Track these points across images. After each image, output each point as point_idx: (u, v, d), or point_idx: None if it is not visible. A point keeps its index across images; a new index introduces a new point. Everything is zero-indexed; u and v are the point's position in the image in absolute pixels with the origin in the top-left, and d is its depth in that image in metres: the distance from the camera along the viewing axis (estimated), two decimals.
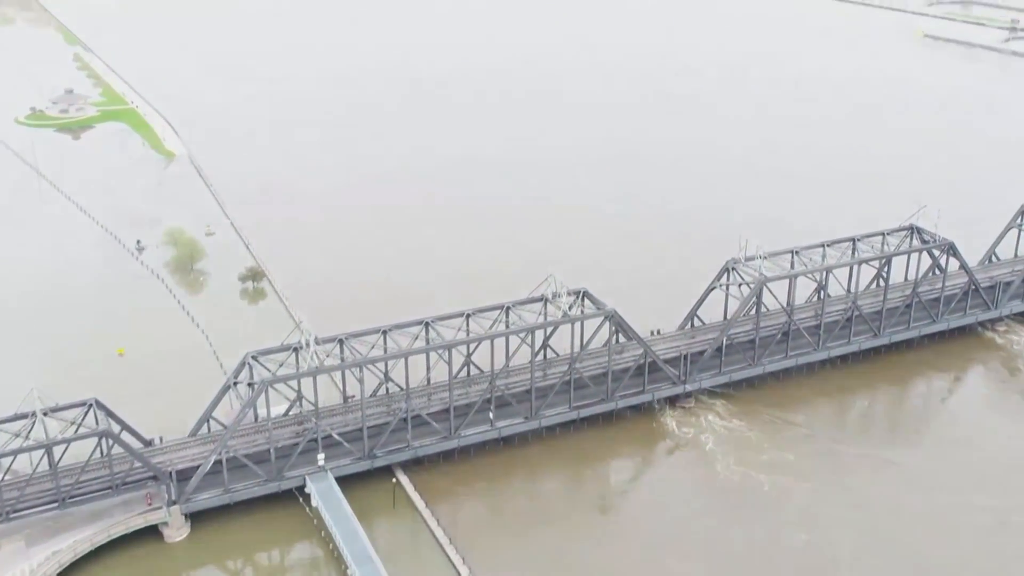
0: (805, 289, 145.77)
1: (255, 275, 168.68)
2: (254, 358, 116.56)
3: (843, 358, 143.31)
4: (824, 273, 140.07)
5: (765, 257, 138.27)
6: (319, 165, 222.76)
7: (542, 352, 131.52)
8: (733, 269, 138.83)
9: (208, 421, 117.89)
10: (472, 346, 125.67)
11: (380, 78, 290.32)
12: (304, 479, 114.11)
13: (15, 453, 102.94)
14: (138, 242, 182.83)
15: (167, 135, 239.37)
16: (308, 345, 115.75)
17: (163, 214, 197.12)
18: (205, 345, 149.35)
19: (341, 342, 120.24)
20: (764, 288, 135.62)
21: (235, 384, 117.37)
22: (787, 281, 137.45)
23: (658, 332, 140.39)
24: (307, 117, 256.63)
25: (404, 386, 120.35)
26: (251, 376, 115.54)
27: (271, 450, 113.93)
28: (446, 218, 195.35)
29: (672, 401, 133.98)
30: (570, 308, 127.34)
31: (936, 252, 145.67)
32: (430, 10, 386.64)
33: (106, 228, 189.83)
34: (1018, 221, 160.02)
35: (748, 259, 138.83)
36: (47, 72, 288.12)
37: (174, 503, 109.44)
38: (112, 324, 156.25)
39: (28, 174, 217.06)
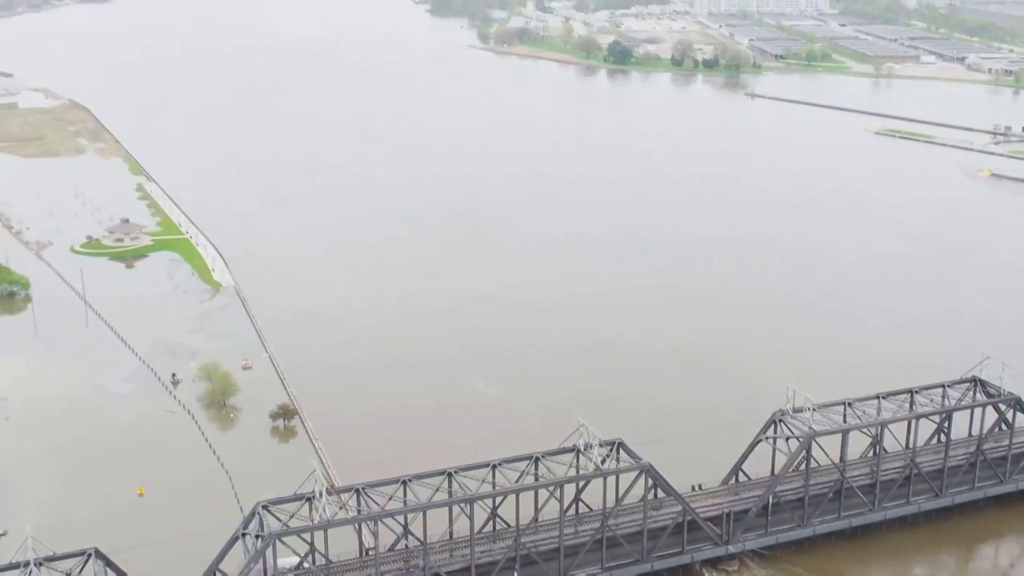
0: (859, 444, 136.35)
1: (286, 413, 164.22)
2: (265, 507, 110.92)
3: (901, 520, 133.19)
4: (879, 427, 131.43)
5: (815, 409, 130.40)
6: (366, 302, 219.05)
7: (572, 507, 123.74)
8: (781, 421, 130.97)
9: (214, 574, 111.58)
10: (497, 499, 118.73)
11: (437, 214, 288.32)
12: None
13: None
14: (173, 375, 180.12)
15: (217, 265, 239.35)
16: (321, 496, 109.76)
17: (203, 346, 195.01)
18: (228, 487, 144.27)
19: (359, 492, 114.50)
20: (814, 442, 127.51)
21: (244, 535, 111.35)
22: (839, 435, 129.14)
23: (699, 487, 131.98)
24: (362, 251, 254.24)
25: (423, 541, 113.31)
26: (261, 527, 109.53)
27: None
28: (485, 360, 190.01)
29: (714, 563, 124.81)
30: (603, 460, 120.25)
31: (1002, 407, 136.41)
32: (481, 141, 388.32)
33: (143, 360, 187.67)
34: None
35: (796, 411, 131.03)
36: (109, 201, 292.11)
37: None
38: (137, 461, 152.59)
39: (76, 303, 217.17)
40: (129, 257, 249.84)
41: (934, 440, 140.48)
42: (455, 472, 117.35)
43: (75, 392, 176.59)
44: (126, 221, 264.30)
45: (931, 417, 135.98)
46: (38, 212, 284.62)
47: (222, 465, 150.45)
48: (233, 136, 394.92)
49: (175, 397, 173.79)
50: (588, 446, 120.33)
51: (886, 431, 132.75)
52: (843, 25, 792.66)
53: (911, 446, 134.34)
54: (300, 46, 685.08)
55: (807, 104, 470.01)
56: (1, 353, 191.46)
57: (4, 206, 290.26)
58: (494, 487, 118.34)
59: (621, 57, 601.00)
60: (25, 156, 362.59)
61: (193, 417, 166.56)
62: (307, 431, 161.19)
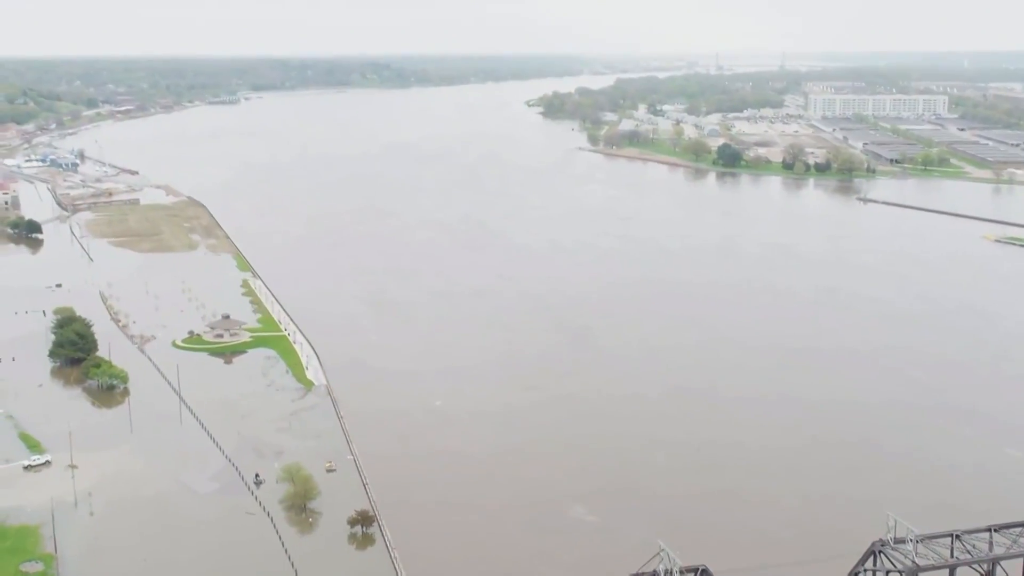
0: None
1: (365, 519, 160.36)
2: None
3: None
4: (991, 563, 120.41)
5: (919, 540, 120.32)
6: (460, 411, 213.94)
7: None
8: (881, 552, 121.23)
9: None
10: None
11: (541, 322, 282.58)
12: None
13: None
14: (257, 475, 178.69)
15: (311, 364, 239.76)
16: None
17: (289, 445, 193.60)
18: None
19: None
20: None
21: None
22: (945, 571, 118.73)
23: None
24: (461, 359, 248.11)
25: None
26: None
27: None
28: (575, 475, 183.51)
29: None
30: None
31: None
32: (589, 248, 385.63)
33: (229, 459, 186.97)
34: None
35: (898, 541, 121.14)
36: (214, 297, 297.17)
37: None
38: (211, 564, 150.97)
39: (172, 399, 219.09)
40: (227, 353, 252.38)
41: None
42: None
43: (159, 489, 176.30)
44: (227, 317, 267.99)
45: None
46: (145, 306, 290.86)
47: (295, 572, 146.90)
48: (343, 236, 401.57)
49: (256, 498, 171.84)
50: (668, 573, 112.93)
51: (999, 568, 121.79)
52: (962, 130, 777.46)
53: None
54: (417, 148, 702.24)
55: (922, 210, 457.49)
56: (94, 448, 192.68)
57: (115, 300, 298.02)
58: None
59: (731, 160, 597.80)
60: (141, 251, 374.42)
61: (272, 520, 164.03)
62: (385, 540, 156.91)
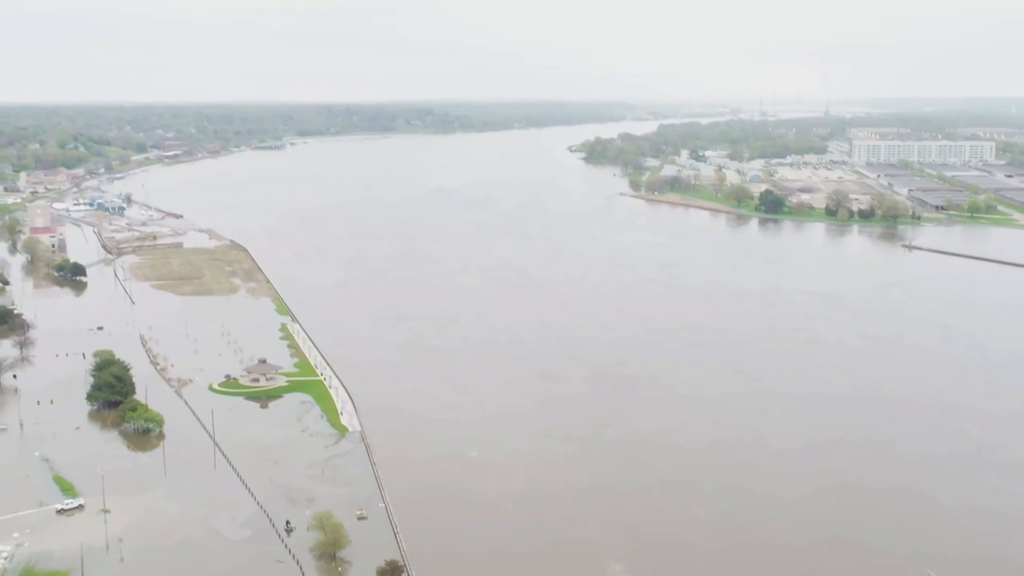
0: None
1: (394, 569, 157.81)
2: None
3: None
4: None
5: None
6: (494, 463, 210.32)
7: None
8: None
9: None
10: None
11: (580, 370, 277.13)
12: None
13: None
14: (287, 523, 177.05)
15: (346, 409, 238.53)
16: None
17: (321, 492, 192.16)
18: None
19: None
20: None
21: None
22: None
23: None
24: (497, 408, 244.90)
25: None
26: None
27: None
28: (615, 536, 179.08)
29: None
30: None
31: None
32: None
33: (261, 505, 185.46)
34: None
35: None
36: (252, 341, 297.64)
37: None
38: None
39: (207, 443, 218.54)
40: (263, 398, 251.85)
41: None
42: None
43: (190, 536, 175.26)
44: (263, 361, 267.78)
45: None
46: (184, 350, 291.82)
47: None
48: (383, 281, 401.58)
49: (287, 546, 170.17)
50: None
51: None
52: (1010, 176, 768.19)
53: None
54: (459, 193, 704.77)
55: (968, 257, 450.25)
56: (128, 492, 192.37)
57: (154, 343, 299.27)
58: None
59: (773, 206, 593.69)
60: (182, 294, 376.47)
61: (301, 569, 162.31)
62: None
